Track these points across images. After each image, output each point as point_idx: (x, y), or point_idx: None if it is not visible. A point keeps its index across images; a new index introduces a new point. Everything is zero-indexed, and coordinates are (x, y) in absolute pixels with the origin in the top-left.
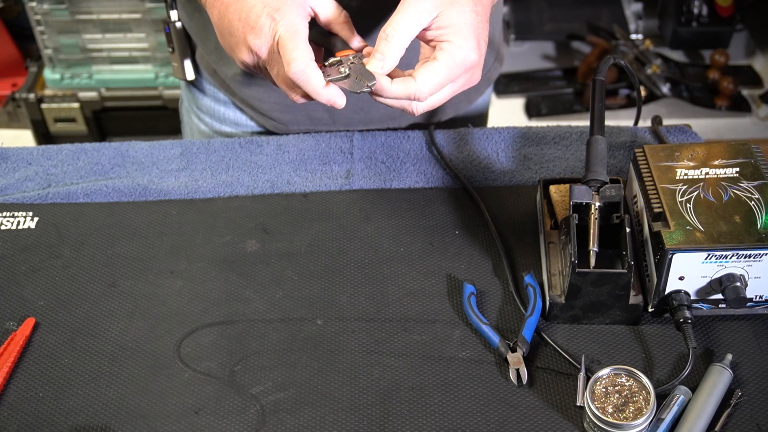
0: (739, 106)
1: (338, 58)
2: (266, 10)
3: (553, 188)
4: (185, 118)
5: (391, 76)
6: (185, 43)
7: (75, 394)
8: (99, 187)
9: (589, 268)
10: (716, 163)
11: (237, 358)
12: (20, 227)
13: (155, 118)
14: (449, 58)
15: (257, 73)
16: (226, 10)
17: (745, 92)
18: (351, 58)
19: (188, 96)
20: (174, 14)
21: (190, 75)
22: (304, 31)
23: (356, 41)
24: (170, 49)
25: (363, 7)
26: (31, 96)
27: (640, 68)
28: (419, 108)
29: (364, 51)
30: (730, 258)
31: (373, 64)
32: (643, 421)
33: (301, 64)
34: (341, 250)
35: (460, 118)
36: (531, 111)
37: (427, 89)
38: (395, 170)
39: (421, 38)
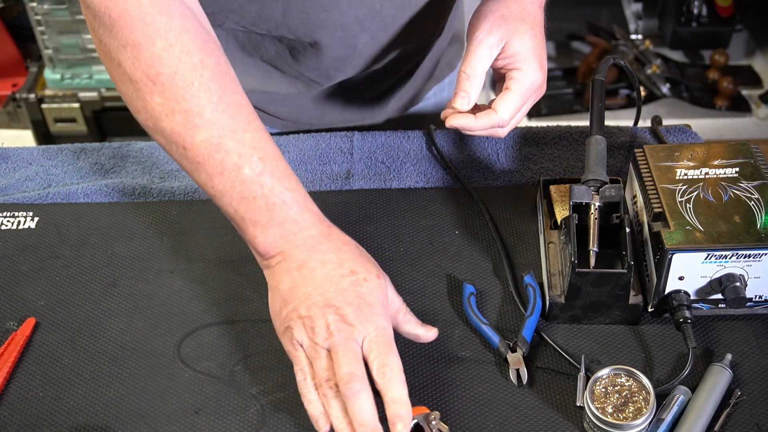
0: (739, 106)
1: (415, 420)
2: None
3: (553, 188)
4: None
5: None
6: None
7: (75, 394)
8: (99, 187)
9: (589, 268)
10: (716, 163)
11: (237, 358)
12: (20, 227)
13: None
14: (520, 86)
15: (300, 357)
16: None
17: (744, 92)
18: (425, 418)
19: None
20: None
21: None
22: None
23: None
24: None
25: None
26: (32, 96)
27: (640, 68)
28: (506, 131)
29: None
30: (730, 258)
31: (458, 102)
32: (642, 421)
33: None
34: None
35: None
36: (531, 111)
37: (508, 116)
38: (395, 170)
39: (493, 67)
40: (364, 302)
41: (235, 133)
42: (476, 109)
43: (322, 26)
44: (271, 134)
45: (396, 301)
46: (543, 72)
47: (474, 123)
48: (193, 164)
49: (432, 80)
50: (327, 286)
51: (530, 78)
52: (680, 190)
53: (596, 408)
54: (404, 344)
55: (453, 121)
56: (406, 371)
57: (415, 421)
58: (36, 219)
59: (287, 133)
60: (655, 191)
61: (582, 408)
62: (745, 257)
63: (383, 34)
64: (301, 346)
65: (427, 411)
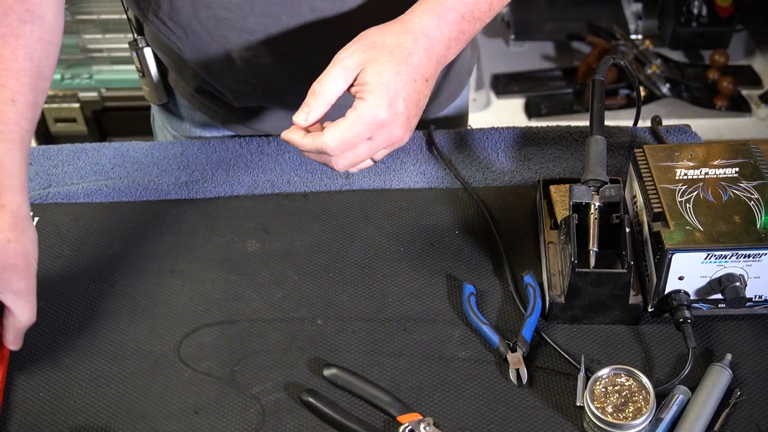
0: (739, 106)
1: (409, 426)
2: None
3: (553, 188)
4: (159, 136)
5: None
6: (156, 67)
7: (75, 394)
8: (99, 187)
9: (589, 268)
10: (716, 163)
11: (237, 358)
12: None
13: None
14: (356, 116)
15: None
16: None
17: (744, 92)
18: (418, 424)
19: (161, 116)
20: (142, 40)
21: (163, 98)
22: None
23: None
24: (140, 74)
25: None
26: None
27: (640, 68)
28: (339, 164)
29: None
30: (730, 258)
31: (299, 117)
32: (642, 421)
33: None
34: (341, 250)
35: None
36: (531, 111)
37: (334, 144)
38: (395, 170)
39: (349, 92)
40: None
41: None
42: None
43: (230, 26)
44: (272, 135)
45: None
46: (393, 111)
47: (300, 141)
48: None
49: None
50: None
51: (372, 112)
52: (680, 190)
53: (596, 408)
54: (405, 345)
55: (283, 134)
56: (406, 371)
57: (409, 427)
58: (36, 219)
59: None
60: (655, 191)
61: (582, 408)
62: (744, 257)
63: (286, 45)
64: None
65: (420, 417)
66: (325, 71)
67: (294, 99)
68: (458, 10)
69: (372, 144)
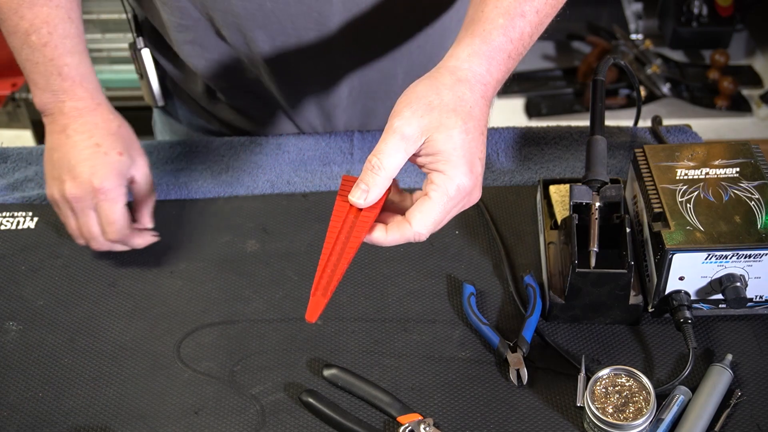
0: (739, 106)
1: (409, 427)
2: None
3: (553, 188)
4: (159, 138)
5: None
6: (154, 69)
7: (74, 394)
8: None
9: (590, 268)
10: (716, 163)
11: (237, 358)
12: (20, 227)
13: None
14: (441, 194)
15: (55, 206)
16: (62, 145)
17: (745, 92)
18: (418, 424)
19: (161, 119)
20: (140, 41)
21: (161, 101)
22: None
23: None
24: (139, 75)
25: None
26: (31, 96)
27: (640, 68)
28: (421, 240)
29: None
30: (730, 258)
31: (356, 195)
32: (643, 422)
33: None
34: None
35: None
36: (531, 111)
37: (425, 230)
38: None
39: (413, 162)
40: (98, 172)
41: (33, 4)
42: (393, 199)
43: (214, 7)
44: (273, 136)
45: (143, 182)
46: (474, 176)
47: (384, 238)
48: None
49: None
50: (74, 155)
51: (455, 184)
52: (680, 190)
53: (596, 408)
54: (405, 345)
55: (366, 239)
56: (406, 372)
57: (409, 427)
58: (35, 219)
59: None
60: (655, 191)
61: (582, 408)
62: (745, 257)
63: (282, 36)
64: (54, 202)
65: (420, 417)
66: (381, 142)
67: (282, 97)
68: (505, 50)
69: (455, 211)
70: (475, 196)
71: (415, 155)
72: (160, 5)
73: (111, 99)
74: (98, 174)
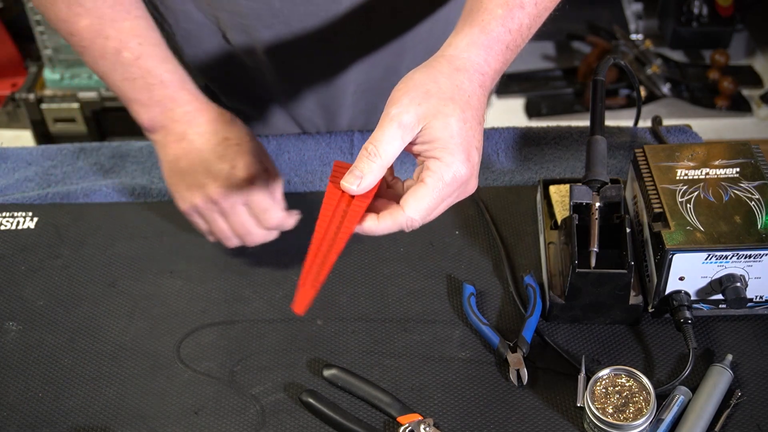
0: (739, 106)
1: (409, 427)
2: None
3: (553, 188)
4: None
5: (380, 191)
6: None
7: (74, 395)
8: (99, 187)
9: (590, 268)
10: (716, 163)
11: (237, 358)
12: (20, 227)
13: None
14: (437, 180)
15: (196, 215)
16: (187, 153)
17: (745, 92)
18: (418, 424)
19: None
20: None
21: None
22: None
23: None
24: None
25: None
26: (31, 96)
27: (640, 68)
28: (416, 227)
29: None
30: (731, 258)
31: (349, 180)
32: (643, 422)
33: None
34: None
35: None
36: (531, 111)
37: (419, 216)
38: (395, 170)
39: (408, 151)
40: (238, 164)
41: (115, 21)
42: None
43: (221, 7)
44: (272, 136)
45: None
46: (471, 165)
47: (378, 228)
48: (79, 48)
49: None
50: (206, 156)
51: (451, 171)
52: (681, 190)
53: (596, 408)
54: (405, 345)
55: (357, 229)
56: (406, 372)
57: (410, 428)
58: (35, 219)
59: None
60: (655, 191)
61: (582, 408)
62: (745, 257)
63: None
64: (196, 211)
65: (420, 417)
66: (377, 129)
67: (285, 97)
68: (503, 40)
69: (450, 200)
70: (471, 187)
71: (412, 143)
72: (163, 9)
73: (111, 99)
74: (239, 165)
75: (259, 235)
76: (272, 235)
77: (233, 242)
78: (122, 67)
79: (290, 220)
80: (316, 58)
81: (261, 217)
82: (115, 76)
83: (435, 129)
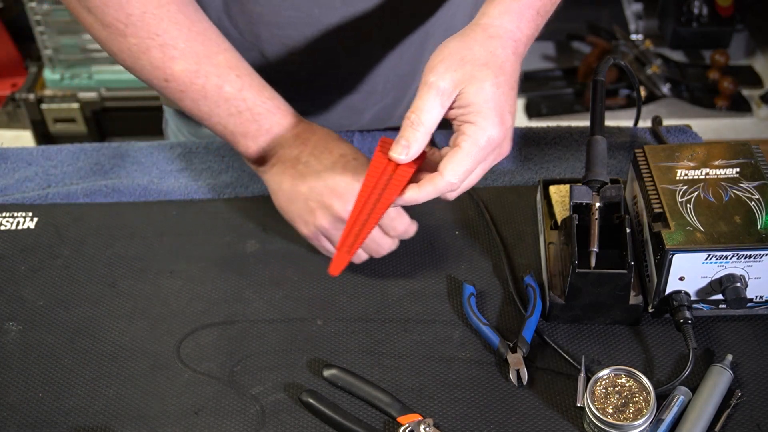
0: (739, 106)
1: (409, 427)
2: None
3: (553, 188)
4: (171, 139)
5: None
6: None
7: (74, 395)
8: (99, 187)
9: (590, 268)
10: (716, 163)
11: (237, 359)
12: (20, 227)
13: (155, 118)
14: (472, 144)
15: (323, 238)
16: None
17: (745, 92)
18: (418, 424)
19: (177, 120)
20: None
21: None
22: None
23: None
24: None
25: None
26: (31, 96)
27: (640, 68)
28: (456, 194)
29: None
30: (731, 258)
31: (396, 150)
32: (643, 422)
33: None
34: None
35: None
36: (531, 111)
37: (458, 180)
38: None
39: (445, 117)
40: (361, 176)
41: (209, 57)
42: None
43: (260, 21)
44: None
45: None
46: (504, 128)
47: (419, 195)
48: (177, 93)
49: None
50: (326, 175)
51: (485, 135)
52: (680, 190)
53: (596, 408)
54: (405, 345)
55: (399, 201)
56: (406, 372)
57: (410, 428)
58: (35, 219)
59: None
60: (655, 191)
61: (582, 409)
62: (745, 258)
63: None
64: (324, 233)
65: (420, 418)
66: (417, 98)
67: (312, 106)
68: (533, 6)
69: (484, 165)
70: (506, 149)
71: (449, 108)
72: None
73: (111, 99)
74: (362, 180)
75: (387, 245)
76: (397, 244)
77: (363, 258)
78: (226, 103)
79: (413, 226)
80: (348, 59)
81: (389, 226)
82: (220, 113)
83: (470, 94)
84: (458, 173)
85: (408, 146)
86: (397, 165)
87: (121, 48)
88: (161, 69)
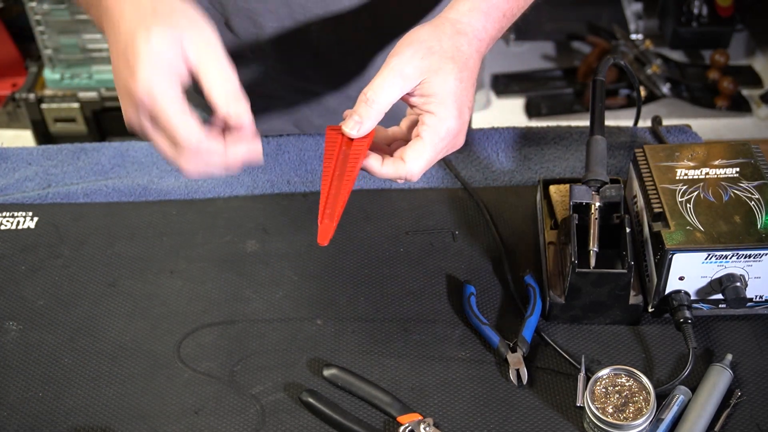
0: (739, 106)
1: (409, 427)
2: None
3: (553, 188)
4: None
5: (375, 145)
6: None
7: (74, 394)
8: (99, 187)
9: (590, 268)
10: (716, 163)
11: (237, 358)
12: (20, 227)
13: None
14: (433, 134)
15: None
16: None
17: (745, 92)
18: (418, 424)
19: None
20: None
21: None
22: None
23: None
24: None
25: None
26: (31, 96)
27: (640, 68)
28: (411, 181)
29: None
30: (730, 258)
31: (349, 125)
32: (643, 422)
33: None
34: (341, 251)
35: None
36: (531, 111)
37: (418, 169)
38: None
39: (404, 101)
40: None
41: None
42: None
43: (235, 7)
44: (272, 136)
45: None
46: (462, 121)
47: (378, 168)
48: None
49: None
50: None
51: (445, 125)
52: (680, 190)
53: (596, 408)
54: (405, 345)
55: (363, 165)
56: (406, 372)
57: (409, 427)
58: (35, 219)
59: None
60: (655, 191)
61: (582, 408)
62: (745, 257)
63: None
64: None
65: (420, 417)
66: (377, 77)
67: (295, 97)
68: (501, 8)
69: (442, 154)
70: (460, 141)
71: (409, 95)
72: None
73: (111, 99)
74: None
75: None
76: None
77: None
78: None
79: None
80: (322, 47)
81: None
82: (92, 11)
83: (434, 84)
84: (420, 163)
85: (360, 122)
86: (351, 139)
87: None
88: None
